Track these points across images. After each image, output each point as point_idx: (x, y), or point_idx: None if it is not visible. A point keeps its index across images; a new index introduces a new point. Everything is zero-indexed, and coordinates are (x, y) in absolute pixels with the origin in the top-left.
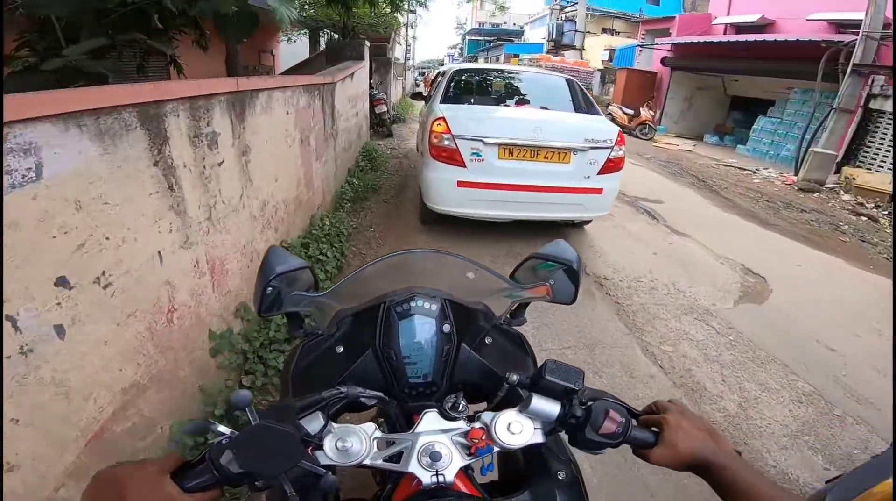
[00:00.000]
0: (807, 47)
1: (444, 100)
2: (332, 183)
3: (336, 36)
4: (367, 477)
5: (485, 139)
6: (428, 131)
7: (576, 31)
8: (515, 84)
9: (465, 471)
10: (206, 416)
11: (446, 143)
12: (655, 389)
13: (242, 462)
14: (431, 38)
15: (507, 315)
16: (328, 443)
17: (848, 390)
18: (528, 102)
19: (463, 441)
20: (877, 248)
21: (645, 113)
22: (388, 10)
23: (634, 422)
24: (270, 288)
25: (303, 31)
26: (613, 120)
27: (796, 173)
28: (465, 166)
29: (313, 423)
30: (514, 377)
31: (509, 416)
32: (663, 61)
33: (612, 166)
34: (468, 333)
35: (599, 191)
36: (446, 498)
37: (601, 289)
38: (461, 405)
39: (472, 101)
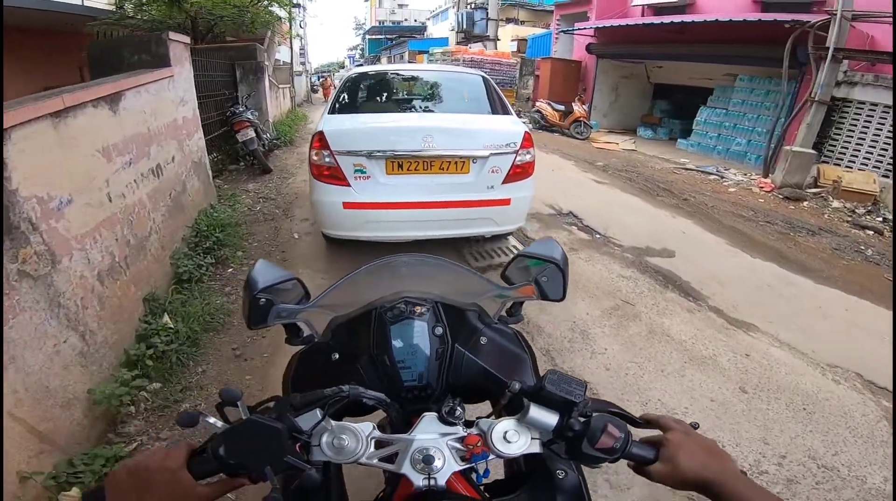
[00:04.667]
0: (755, 29)
1: (332, 111)
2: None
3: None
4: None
5: (367, 153)
6: (309, 148)
7: (488, 19)
8: (417, 87)
9: (465, 475)
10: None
11: (327, 160)
12: None
13: (230, 454)
14: (329, 39)
15: (504, 313)
16: (325, 440)
17: None
18: (428, 106)
19: (458, 446)
20: None
21: (578, 109)
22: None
23: (636, 438)
24: (257, 302)
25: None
26: (543, 117)
27: (766, 175)
28: (349, 186)
29: (311, 420)
30: (517, 386)
31: (507, 424)
32: (589, 48)
33: (519, 173)
34: (462, 334)
35: (507, 202)
36: None
37: None
38: (458, 411)
39: (364, 110)
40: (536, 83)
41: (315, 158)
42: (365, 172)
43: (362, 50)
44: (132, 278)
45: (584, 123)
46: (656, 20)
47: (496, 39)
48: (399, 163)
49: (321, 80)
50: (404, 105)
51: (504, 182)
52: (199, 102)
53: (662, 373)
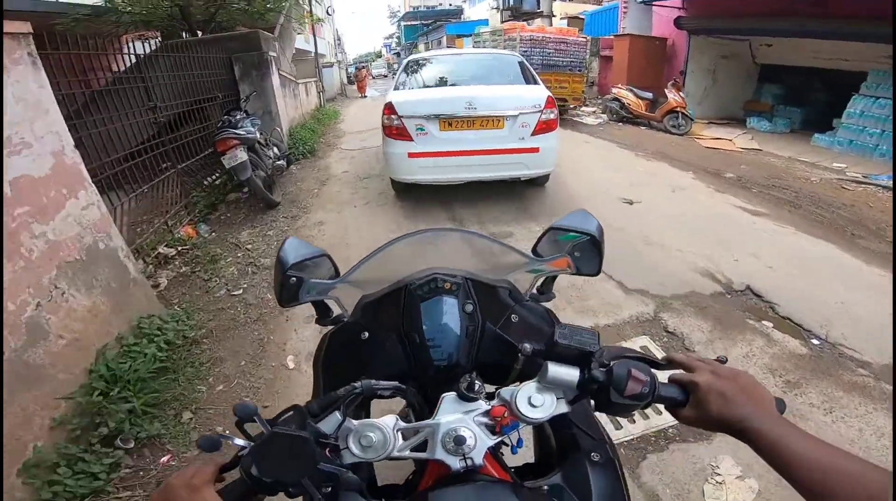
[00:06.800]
0: None
1: (396, 87)
2: None
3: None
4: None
5: (425, 116)
6: (381, 115)
7: None
8: (462, 67)
9: (494, 454)
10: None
11: (396, 123)
12: None
13: (263, 471)
14: (364, 30)
15: (535, 291)
16: (352, 441)
17: None
18: (472, 81)
19: (486, 420)
20: None
21: (674, 97)
22: None
23: (662, 379)
24: (288, 280)
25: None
26: (624, 107)
27: None
28: (413, 140)
29: (331, 423)
30: (528, 347)
31: (529, 389)
32: (678, 23)
33: (544, 127)
34: (492, 311)
35: (536, 150)
36: (474, 482)
37: None
38: (477, 385)
39: (421, 85)
40: (605, 66)
41: (386, 121)
42: (424, 130)
43: (398, 38)
44: None
45: (683, 114)
46: None
47: (551, 16)
48: (449, 122)
49: (357, 71)
50: (453, 81)
51: (532, 135)
52: (185, 111)
53: None
